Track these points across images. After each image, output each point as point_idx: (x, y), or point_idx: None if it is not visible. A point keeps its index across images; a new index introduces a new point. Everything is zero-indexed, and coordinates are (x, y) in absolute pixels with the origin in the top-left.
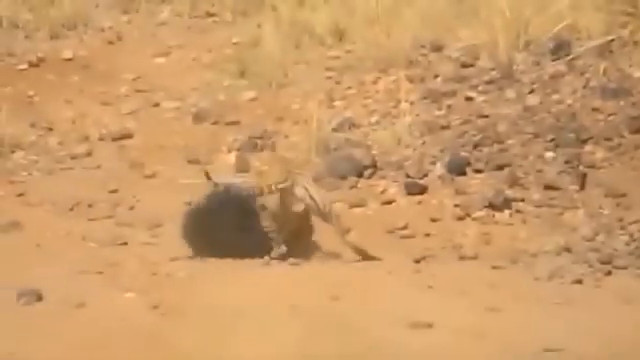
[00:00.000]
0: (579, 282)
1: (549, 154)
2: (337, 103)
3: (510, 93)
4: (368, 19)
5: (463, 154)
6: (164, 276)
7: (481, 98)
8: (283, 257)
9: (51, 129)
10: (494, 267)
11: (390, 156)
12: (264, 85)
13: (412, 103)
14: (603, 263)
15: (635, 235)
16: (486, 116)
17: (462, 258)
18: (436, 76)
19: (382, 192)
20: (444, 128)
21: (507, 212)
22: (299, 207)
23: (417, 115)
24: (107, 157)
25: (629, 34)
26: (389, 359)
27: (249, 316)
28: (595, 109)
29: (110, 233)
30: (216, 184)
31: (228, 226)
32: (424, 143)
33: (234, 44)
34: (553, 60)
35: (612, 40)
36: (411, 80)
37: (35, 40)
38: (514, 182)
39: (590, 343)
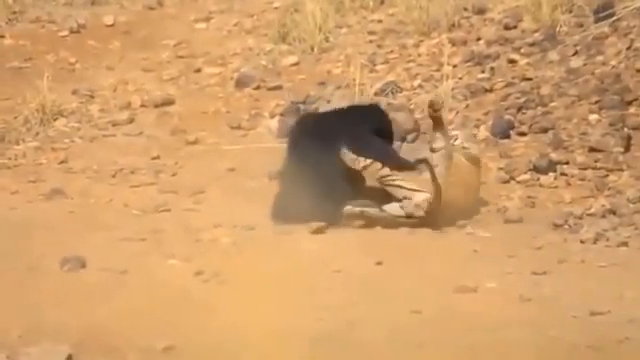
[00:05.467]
0: (625, 245)
1: (593, 116)
2: (379, 67)
3: (553, 55)
4: None
5: (507, 117)
6: (207, 243)
7: (524, 61)
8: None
9: (92, 96)
10: (539, 230)
11: None
12: (306, 50)
13: (455, 66)
14: None
15: None
16: (530, 79)
17: (507, 221)
18: (479, 39)
19: None
20: (487, 91)
21: (551, 175)
22: None
23: (460, 78)
24: (149, 124)
25: None
26: (433, 324)
27: (293, 283)
28: (639, 70)
29: (153, 200)
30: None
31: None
32: (467, 106)
33: (275, 9)
34: (596, 21)
35: None
36: (454, 43)
37: (75, 6)
38: (558, 145)
39: (636, 306)
